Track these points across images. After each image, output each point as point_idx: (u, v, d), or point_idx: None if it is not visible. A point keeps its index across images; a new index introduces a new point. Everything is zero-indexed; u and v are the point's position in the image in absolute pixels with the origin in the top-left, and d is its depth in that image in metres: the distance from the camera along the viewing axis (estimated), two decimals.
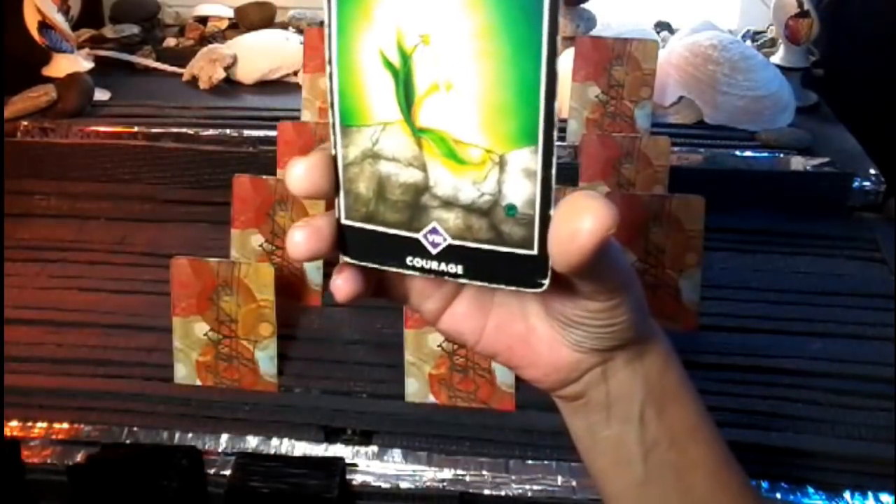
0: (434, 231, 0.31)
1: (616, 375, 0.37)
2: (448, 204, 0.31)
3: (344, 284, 0.34)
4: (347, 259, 0.33)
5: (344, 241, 0.33)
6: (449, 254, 0.32)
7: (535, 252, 0.30)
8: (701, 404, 0.39)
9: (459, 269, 0.32)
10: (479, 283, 0.32)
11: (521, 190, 0.30)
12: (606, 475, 0.39)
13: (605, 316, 0.34)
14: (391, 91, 0.30)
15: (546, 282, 0.31)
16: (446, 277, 0.32)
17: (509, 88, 0.28)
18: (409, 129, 0.30)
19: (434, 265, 0.32)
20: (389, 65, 0.30)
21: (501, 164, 0.30)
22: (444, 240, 0.31)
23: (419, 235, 0.32)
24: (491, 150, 0.30)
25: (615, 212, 0.28)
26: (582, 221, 0.28)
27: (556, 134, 0.29)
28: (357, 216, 0.32)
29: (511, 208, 0.30)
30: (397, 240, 0.32)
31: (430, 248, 0.32)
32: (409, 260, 0.32)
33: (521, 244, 0.30)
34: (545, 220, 0.30)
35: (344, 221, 0.33)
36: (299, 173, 0.32)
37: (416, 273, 0.32)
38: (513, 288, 0.31)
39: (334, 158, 0.32)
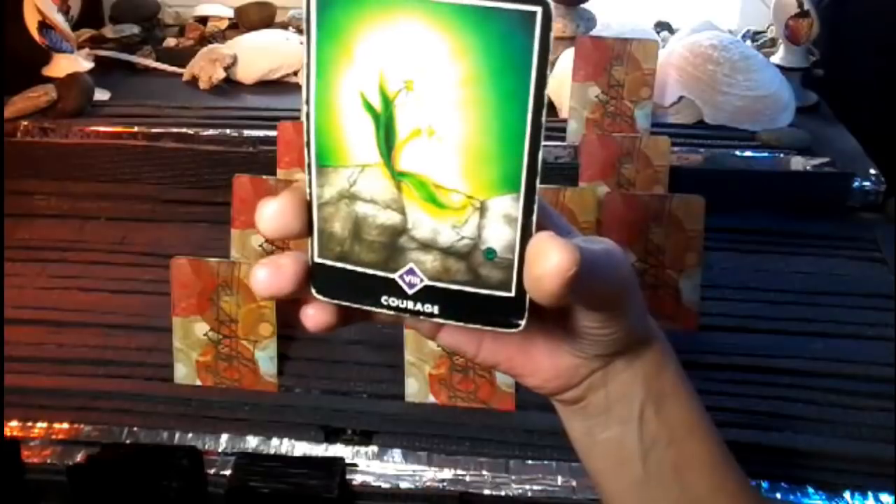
0: (411, 272, 0.31)
1: (616, 378, 0.37)
2: (426, 246, 0.31)
3: (316, 314, 0.33)
4: (319, 297, 0.33)
5: (315, 279, 0.32)
6: (425, 294, 0.31)
7: (512, 294, 0.30)
8: (698, 401, 0.39)
9: (435, 310, 0.32)
10: (455, 323, 0.32)
11: (501, 235, 0.30)
12: (606, 476, 0.39)
13: (604, 325, 0.34)
14: (371, 134, 0.30)
15: (522, 322, 0.31)
16: (422, 317, 0.32)
17: (493, 137, 0.28)
18: (389, 173, 0.30)
19: (410, 305, 0.32)
20: (370, 108, 0.29)
21: (482, 209, 0.30)
22: (421, 281, 0.31)
23: (395, 276, 0.31)
24: (472, 196, 0.29)
25: (575, 251, 0.28)
26: (545, 266, 0.28)
27: (538, 182, 0.29)
28: (331, 255, 0.32)
29: (490, 252, 0.30)
30: (372, 279, 0.32)
31: (406, 288, 0.31)
32: (384, 299, 0.32)
33: (498, 286, 0.31)
34: (523, 264, 0.30)
35: (317, 260, 0.32)
36: (270, 214, 0.31)
37: (392, 312, 0.32)
38: (489, 328, 0.32)
39: (309, 197, 0.31)
